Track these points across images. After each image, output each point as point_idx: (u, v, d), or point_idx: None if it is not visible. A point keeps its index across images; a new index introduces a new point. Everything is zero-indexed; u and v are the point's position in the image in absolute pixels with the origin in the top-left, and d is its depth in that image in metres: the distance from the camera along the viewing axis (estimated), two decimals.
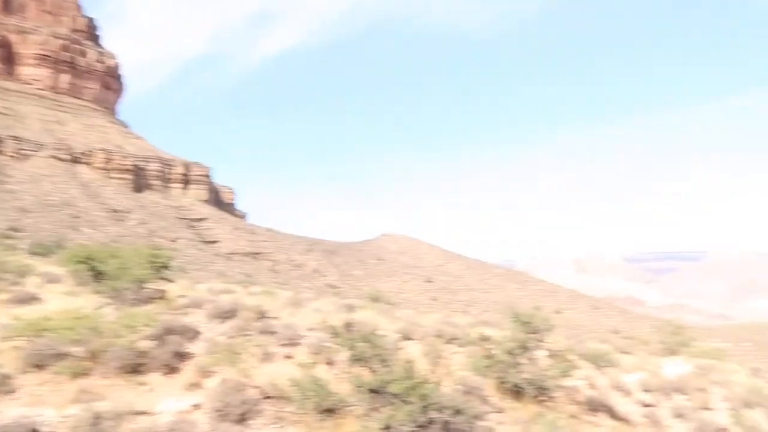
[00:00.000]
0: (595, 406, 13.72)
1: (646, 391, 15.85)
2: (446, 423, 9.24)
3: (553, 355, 13.17)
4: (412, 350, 13.15)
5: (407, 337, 14.46)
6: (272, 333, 12.62)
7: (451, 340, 14.99)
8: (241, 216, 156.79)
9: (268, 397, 9.67)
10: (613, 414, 13.77)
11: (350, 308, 17.96)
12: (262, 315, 13.95)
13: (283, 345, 12.16)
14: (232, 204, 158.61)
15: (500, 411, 11.69)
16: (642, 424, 14.05)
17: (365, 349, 10.39)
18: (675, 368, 18.67)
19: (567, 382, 13.21)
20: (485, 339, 13.63)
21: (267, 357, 11.36)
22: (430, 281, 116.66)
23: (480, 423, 10.15)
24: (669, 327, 30.28)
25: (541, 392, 12.31)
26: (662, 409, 15.16)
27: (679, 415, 14.88)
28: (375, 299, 30.55)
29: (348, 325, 12.40)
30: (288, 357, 11.65)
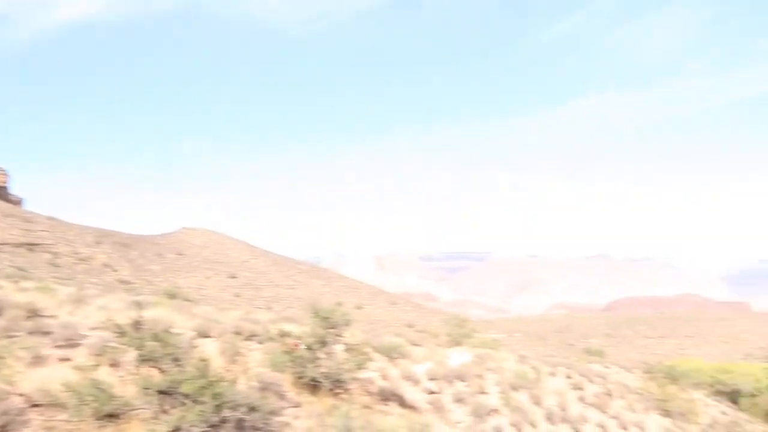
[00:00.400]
0: (387, 396, 14.52)
1: (432, 379, 17.19)
2: (240, 421, 9.06)
3: (349, 348, 13.63)
4: (209, 348, 12.67)
5: (204, 335, 13.88)
6: (46, 333, 11.23)
7: (251, 336, 14.75)
8: (16, 202, 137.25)
9: (37, 406, 8.59)
10: (402, 402, 14.69)
11: (141, 305, 16.69)
12: (34, 313, 12.35)
13: (59, 347, 10.90)
14: (4, 187, 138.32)
15: (297, 405, 11.80)
16: (427, 410, 15.21)
17: (156, 348, 9.74)
18: (458, 357, 20.53)
19: (362, 374, 13.79)
20: (285, 335, 13.64)
21: (38, 360, 10.08)
22: (233, 277, 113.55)
23: (276, 418, 10.13)
24: (455, 320, 33.54)
25: (337, 385, 12.69)
26: (445, 395, 16.59)
27: (459, 400, 16.42)
28: (172, 296, 28.94)
29: (137, 324, 11.49)
30: (64, 359, 10.47)
